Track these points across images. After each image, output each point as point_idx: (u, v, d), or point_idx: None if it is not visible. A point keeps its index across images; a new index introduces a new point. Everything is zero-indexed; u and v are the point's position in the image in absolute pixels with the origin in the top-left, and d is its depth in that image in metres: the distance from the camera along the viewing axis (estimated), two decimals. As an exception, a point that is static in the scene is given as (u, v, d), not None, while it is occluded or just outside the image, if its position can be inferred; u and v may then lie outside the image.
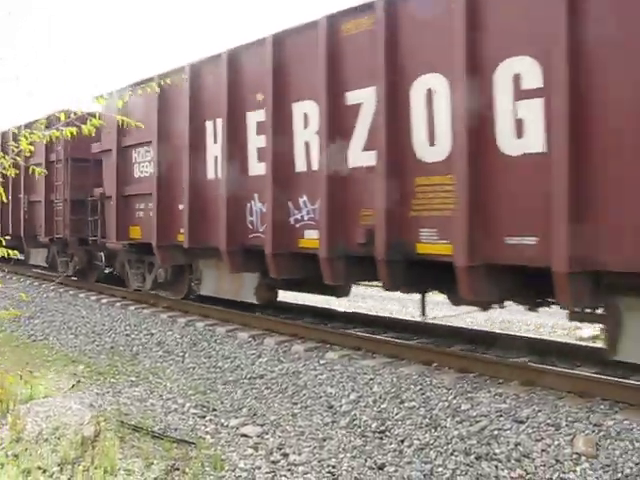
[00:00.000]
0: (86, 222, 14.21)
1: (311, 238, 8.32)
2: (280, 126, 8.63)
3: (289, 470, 5.30)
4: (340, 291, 10.10)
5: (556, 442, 5.10)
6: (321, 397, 6.90)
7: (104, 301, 13.29)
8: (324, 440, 5.89)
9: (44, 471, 5.44)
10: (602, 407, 5.69)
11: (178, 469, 5.45)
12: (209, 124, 10.10)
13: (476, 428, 5.51)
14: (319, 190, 8.05)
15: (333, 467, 5.30)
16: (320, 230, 8.07)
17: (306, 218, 8.43)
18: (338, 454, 5.56)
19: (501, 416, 5.65)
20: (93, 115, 11.14)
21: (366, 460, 5.39)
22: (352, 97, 7.73)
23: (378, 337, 8.46)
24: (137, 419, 6.55)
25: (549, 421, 5.40)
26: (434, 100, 6.82)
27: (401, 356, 7.76)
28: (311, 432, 6.10)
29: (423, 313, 8.96)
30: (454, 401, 6.12)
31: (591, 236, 5.56)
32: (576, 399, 5.94)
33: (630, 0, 5.53)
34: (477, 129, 6.36)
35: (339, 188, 7.86)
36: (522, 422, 5.46)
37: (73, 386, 7.98)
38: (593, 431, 5.13)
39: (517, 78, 6.07)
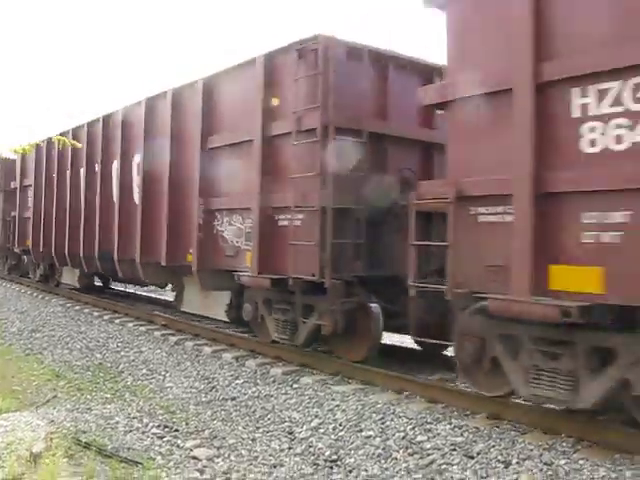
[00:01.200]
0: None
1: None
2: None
3: (226, 496, 5.14)
4: None
5: (500, 480, 4.85)
6: (285, 422, 6.74)
7: (106, 317, 13.31)
8: (274, 467, 5.72)
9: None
10: (564, 444, 5.41)
11: (115, 489, 5.33)
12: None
13: (425, 461, 5.28)
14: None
15: (272, 495, 5.12)
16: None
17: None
18: (283, 482, 5.38)
19: (454, 450, 5.42)
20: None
21: (310, 489, 5.20)
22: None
23: (352, 363, 8.20)
24: (93, 437, 6.43)
25: (500, 457, 5.16)
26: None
27: (375, 383, 7.53)
28: (264, 457, 5.93)
29: None
30: (411, 432, 5.90)
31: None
32: (540, 435, 5.66)
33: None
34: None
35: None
36: (472, 457, 5.22)
37: (48, 401, 7.93)
38: (541, 469, 4.86)
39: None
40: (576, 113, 5.32)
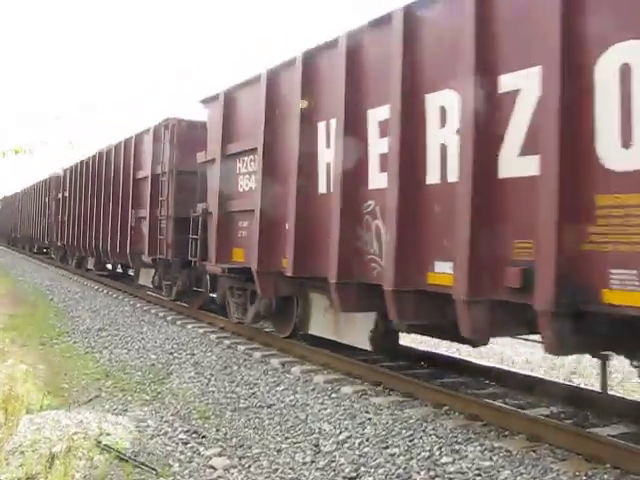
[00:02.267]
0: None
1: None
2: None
3: (230, 510, 4.89)
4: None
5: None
6: (314, 433, 6.44)
7: (169, 318, 13.38)
8: (291, 481, 5.43)
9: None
10: (605, 476, 4.87)
11: (122, 496, 5.18)
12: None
13: (443, 486, 4.86)
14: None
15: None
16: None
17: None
18: (294, 498, 5.08)
19: (478, 475, 4.97)
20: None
21: (318, 508, 4.89)
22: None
23: (398, 374, 7.82)
24: (117, 439, 6.34)
25: (525, 486, 4.67)
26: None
27: (416, 395, 7.12)
28: (284, 471, 5.64)
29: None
30: (437, 452, 5.48)
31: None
32: (580, 464, 5.13)
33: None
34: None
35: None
36: (494, 485, 4.75)
37: (90, 401, 7.94)
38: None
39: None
40: (237, 170, 10.26)
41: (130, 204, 16.44)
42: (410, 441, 5.80)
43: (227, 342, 10.79)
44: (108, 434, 6.50)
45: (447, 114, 6.18)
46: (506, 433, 5.92)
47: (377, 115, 7.12)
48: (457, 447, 5.54)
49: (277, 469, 5.70)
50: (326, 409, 7.04)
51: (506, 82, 5.54)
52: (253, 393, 8.03)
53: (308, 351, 9.44)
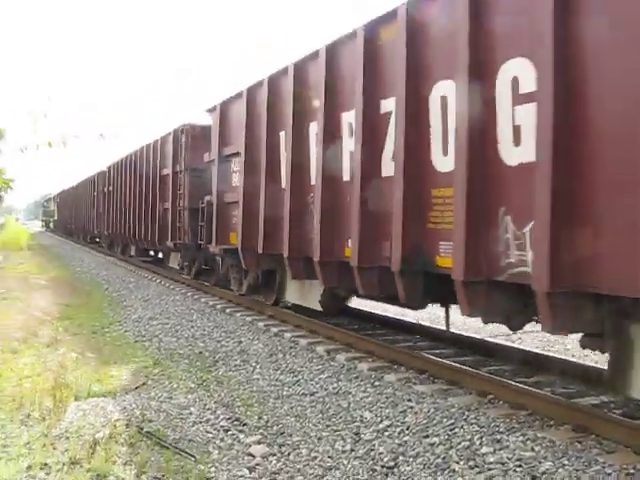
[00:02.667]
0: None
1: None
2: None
3: (266, 498, 4.87)
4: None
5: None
6: (355, 422, 6.37)
7: (218, 307, 13.47)
8: (329, 469, 5.38)
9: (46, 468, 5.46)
10: (654, 469, 4.67)
11: (160, 481, 5.21)
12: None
13: (482, 477, 4.73)
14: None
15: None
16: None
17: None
18: (332, 487, 5.04)
19: (519, 467, 4.82)
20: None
21: (355, 497, 4.82)
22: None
23: (443, 361, 7.68)
24: (159, 426, 6.39)
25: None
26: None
27: (461, 384, 6.98)
28: (322, 459, 5.60)
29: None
30: (478, 442, 5.34)
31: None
32: (627, 456, 4.93)
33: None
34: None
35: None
36: (534, 478, 4.60)
37: (136, 388, 8.02)
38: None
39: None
40: (231, 169, 12.33)
41: (158, 197, 19.34)
42: (451, 430, 5.68)
43: (274, 330, 10.80)
44: (150, 421, 6.56)
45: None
46: (551, 423, 5.74)
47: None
48: (498, 437, 5.40)
49: (316, 457, 5.66)
50: (368, 397, 6.97)
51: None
52: (297, 381, 8.00)
53: (355, 338, 9.38)
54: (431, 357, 7.92)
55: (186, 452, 5.76)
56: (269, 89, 10.49)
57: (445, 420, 5.90)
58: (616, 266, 4.78)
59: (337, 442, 5.95)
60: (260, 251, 10.68)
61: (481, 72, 6.03)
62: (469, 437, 5.46)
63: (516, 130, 5.71)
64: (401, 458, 5.36)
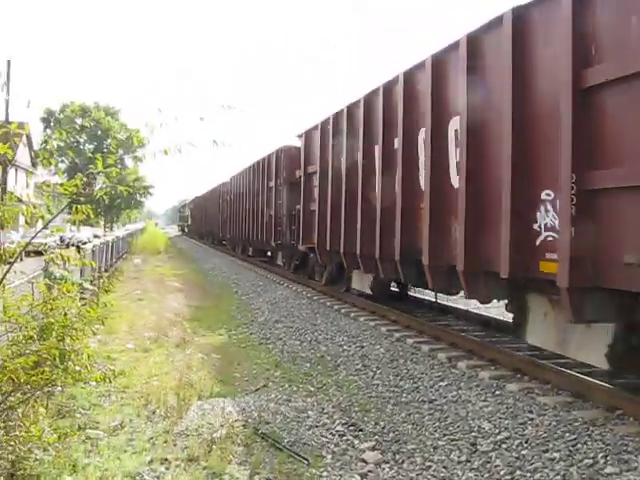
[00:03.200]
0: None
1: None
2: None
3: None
4: None
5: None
6: (472, 432, 6.17)
7: (342, 311, 13.50)
8: (443, 480, 5.22)
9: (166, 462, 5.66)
10: None
11: (272, 483, 5.26)
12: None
13: (602, 499, 4.42)
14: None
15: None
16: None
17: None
18: (444, 499, 4.88)
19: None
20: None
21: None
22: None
23: (568, 371, 7.28)
24: (275, 429, 6.46)
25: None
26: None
27: (587, 396, 6.59)
28: (437, 469, 5.47)
29: None
30: (602, 461, 5.00)
31: None
32: None
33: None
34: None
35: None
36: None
37: (257, 390, 8.16)
38: None
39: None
40: (313, 183, 16.04)
41: (265, 205, 23.02)
42: (573, 446, 5.37)
43: (397, 335, 10.67)
44: (267, 423, 6.65)
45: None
46: (686, 443, 5.30)
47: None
48: (626, 457, 5.03)
49: (430, 467, 5.54)
50: (488, 407, 6.73)
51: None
52: (416, 387, 7.87)
53: (477, 345, 9.12)
54: (554, 367, 7.52)
55: (300, 455, 5.79)
56: (333, 123, 14.05)
57: (567, 435, 5.59)
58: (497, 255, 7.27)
59: (453, 452, 5.79)
60: (328, 248, 13.88)
61: None
62: (592, 455, 5.14)
63: None
64: (518, 472, 5.12)
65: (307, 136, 16.68)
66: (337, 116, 13.73)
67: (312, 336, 11.50)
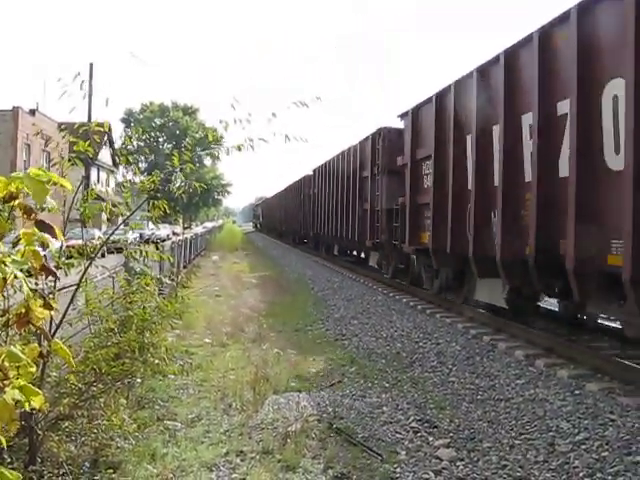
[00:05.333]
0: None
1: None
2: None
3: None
4: None
5: None
6: (550, 431, 6.03)
7: (418, 307, 13.40)
8: (519, 480, 5.13)
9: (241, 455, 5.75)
10: None
11: (346, 477, 5.26)
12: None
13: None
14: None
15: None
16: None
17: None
18: (520, 499, 4.79)
19: None
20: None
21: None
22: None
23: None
24: (349, 423, 6.47)
25: None
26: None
27: (672, 398, 6.33)
28: (512, 468, 5.36)
29: None
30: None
31: None
32: None
33: None
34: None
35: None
36: None
37: (332, 385, 8.19)
38: None
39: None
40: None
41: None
42: (657, 448, 5.18)
43: (473, 332, 10.54)
44: (342, 418, 6.67)
45: None
46: None
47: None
48: None
49: (506, 465, 5.44)
50: (566, 406, 6.57)
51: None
52: (493, 385, 7.75)
53: (555, 343, 8.90)
54: (637, 366, 7.27)
55: (373, 451, 5.78)
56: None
57: (649, 434, 5.40)
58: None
59: (530, 452, 5.67)
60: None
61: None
62: (678, 458, 4.95)
63: None
64: (598, 475, 4.98)
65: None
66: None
67: (388, 332, 11.43)
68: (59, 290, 5.16)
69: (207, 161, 77.42)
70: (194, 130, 76.19)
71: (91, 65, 29.00)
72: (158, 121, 78.15)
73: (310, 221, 31.35)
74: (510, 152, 9.18)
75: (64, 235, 4.85)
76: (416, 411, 7.00)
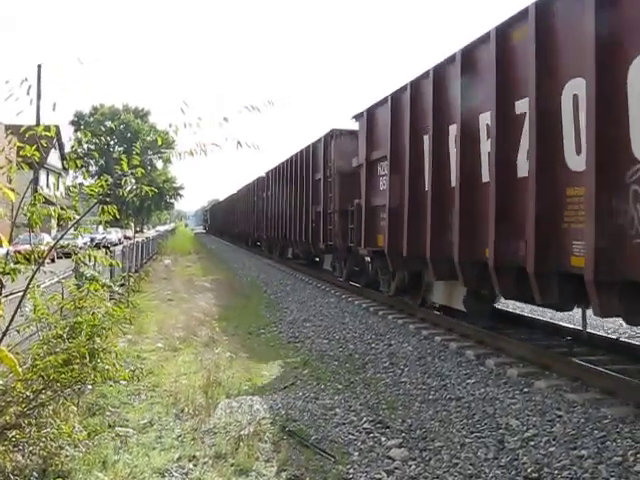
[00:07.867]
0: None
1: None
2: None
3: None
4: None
5: None
6: (500, 429, 6.14)
7: (371, 309, 13.49)
8: (470, 477, 5.23)
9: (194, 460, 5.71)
10: None
11: (299, 479, 5.28)
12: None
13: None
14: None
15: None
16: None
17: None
18: (471, 496, 4.87)
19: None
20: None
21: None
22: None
23: (598, 368, 7.20)
24: (302, 426, 6.49)
25: None
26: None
27: (616, 393, 6.52)
28: (464, 466, 5.45)
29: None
30: (632, 459, 4.95)
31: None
32: None
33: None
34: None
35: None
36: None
37: (285, 388, 8.19)
38: None
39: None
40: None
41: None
42: (602, 443, 5.32)
43: (425, 332, 10.65)
44: (295, 420, 6.68)
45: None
46: None
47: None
48: (657, 453, 4.98)
49: (457, 464, 5.52)
50: (516, 404, 6.70)
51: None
52: (444, 385, 7.85)
53: (505, 342, 9.06)
54: (584, 364, 7.45)
55: (326, 452, 5.81)
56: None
57: (596, 432, 5.55)
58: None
59: (480, 449, 5.76)
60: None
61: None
62: (621, 452, 5.09)
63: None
64: (545, 470, 5.09)
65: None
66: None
67: (340, 334, 11.50)
68: (5, 297, 5.07)
69: (159, 164, 76.79)
70: (145, 133, 75.41)
71: (39, 67, 28.48)
72: (108, 124, 77.04)
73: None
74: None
75: (11, 240, 4.78)
76: (368, 412, 7.05)
